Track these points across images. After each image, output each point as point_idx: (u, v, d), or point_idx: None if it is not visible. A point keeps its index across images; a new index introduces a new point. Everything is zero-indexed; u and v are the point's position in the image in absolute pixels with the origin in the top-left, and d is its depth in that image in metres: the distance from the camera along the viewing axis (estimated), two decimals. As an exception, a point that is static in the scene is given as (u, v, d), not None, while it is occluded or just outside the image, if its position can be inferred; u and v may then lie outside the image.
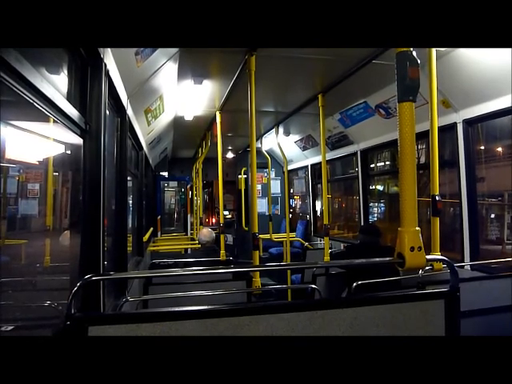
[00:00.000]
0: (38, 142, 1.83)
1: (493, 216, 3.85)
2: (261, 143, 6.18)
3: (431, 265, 2.30)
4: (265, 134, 6.13)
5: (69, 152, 2.01)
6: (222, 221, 4.60)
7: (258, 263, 2.96)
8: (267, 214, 6.47)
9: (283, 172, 6.54)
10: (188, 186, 8.88)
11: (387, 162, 5.30)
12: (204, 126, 5.60)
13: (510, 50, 2.51)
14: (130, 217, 4.30)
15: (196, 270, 2.11)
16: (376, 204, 5.63)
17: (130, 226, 4.25)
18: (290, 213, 7.29)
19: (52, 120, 1.55)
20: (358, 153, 5.23)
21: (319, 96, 3.91)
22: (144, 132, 4.37)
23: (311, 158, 6.89)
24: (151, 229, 6.77)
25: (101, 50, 1.88)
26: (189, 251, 6.05)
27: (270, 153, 6.99)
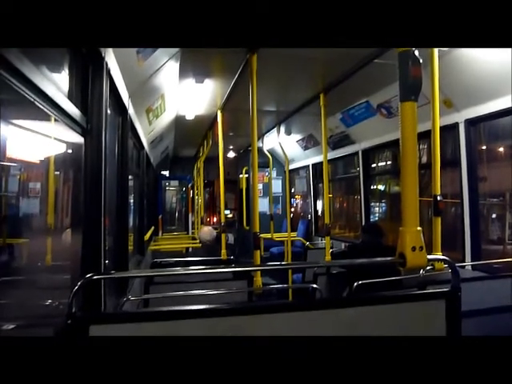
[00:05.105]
0: (39, 141, 1.82)
1: (494, 216, 3.84)
2: (262, 142, 6.17)
3: (432, 264, 2.29)
4: (266, 133, 6.12)
5: (70, 151, 2.01)
6: (223, 220, 4.60)
7: (259, 262, 2.95)
8: (268, 213, 6.46)
9: (284, 171, 6.54)
10: (189, 185, 8.88)
11: (389, 162, 5.29)
12: (205, 124, 5.60)
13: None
14: (131, 216, 4.31)
15: (197, 269, 2.10)
16: (377, 203, 5.62)
17: (131, 225, 4.25)
18: (291, 212, 7.28)
19: (53, 119, 1.55)
20: (360, 152, 5.22)
21: (321, 95, 3.90)
22: (145, 131, 4.36)
23: (313, 158, 6.87)
24: (152, 228, 6.78)
25: (102, 49, 1.88)
26: (190, 250, 6.06)
27: (272, 152, 6.98)
